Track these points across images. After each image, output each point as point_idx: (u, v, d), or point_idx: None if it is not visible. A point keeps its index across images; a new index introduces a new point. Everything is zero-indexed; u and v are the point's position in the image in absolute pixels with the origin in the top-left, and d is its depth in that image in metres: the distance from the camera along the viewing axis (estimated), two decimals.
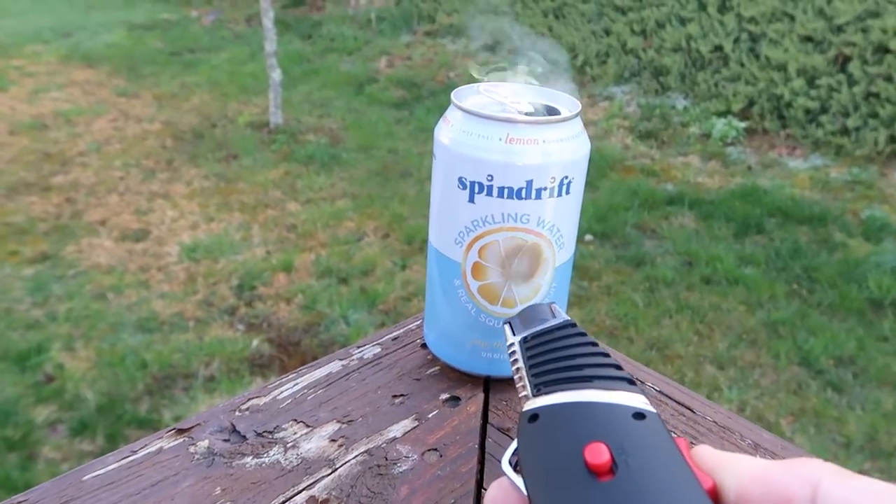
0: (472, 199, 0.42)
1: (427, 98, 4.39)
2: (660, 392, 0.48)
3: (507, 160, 0.40)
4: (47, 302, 2.31)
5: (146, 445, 0.41)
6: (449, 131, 0.43)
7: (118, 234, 2.78)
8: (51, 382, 1.92)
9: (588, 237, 2.83)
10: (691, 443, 0.34)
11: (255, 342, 2.16)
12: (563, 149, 0.41)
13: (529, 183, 0.41)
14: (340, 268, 2.58)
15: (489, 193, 0.41)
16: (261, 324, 2.26)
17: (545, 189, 0.41)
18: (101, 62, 5.18)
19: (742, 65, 3.89)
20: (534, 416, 0.26)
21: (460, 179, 0.42)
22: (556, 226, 0.43)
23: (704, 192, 3.24)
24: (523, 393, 0.28)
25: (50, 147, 3.64)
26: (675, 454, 0.23)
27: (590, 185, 3.28)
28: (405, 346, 0.52)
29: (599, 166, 3.44)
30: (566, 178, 0.42)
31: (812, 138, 3.60)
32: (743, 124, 3.75)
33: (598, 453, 0.22)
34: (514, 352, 0.30)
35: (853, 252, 2.74)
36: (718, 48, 4.01)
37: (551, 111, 0.45)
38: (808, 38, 3.68)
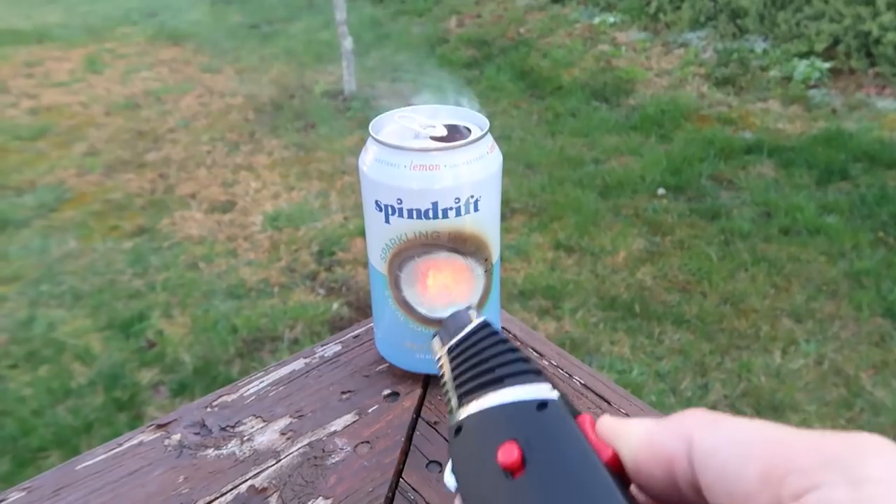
0: (387, 220, 0.46)
1: (497, 56, 4.37)
2: (584, 385, 0.51)
3: (413, 186, 0.45)
4: (146, 273, 2.50)
5: (130, 439, 0.48)
6: (366, 159, 0.48)
7: (207, 206, 2.95)
8: (152, 347, 2.10)
9: (661, 191, 2.79)
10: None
11: (335, 305, 2.28)
12: (466, 171, 0.45)
13: (435, 204, 0.45)
14: None
15: (401, 215, 0.46)
16: (340, 288, 2.38)
17: (451, 209, 0.45)
18: (185, 40, 5.39)
19: (826, 1, 3.68)
20: (458, 428, 0.27)
21: (376, 202, 0.46)
22: (467, 241, 0.47)
23: (785, 138, 3.12)
24: (450, 406, 0.29)
25: (142, 125, 3.86)
26: (575, 435, 0.24)
27: (663, 137, 3.23)
28: (363, 343, 0.57)
29: (673, 117, 3.36)
30: (472, 197, 0.45)
31: None
32: (827, 65, 3.56)
33: (508, 453, 0.24)
34: (441, 365, 0.31)
35: None
36: None
37: (464, 132, 0.48)
38: None
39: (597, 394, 0.50)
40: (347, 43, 3.80)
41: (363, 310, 2.26)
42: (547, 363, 0.54)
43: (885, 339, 2.01)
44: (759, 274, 2.30)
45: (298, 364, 0.55)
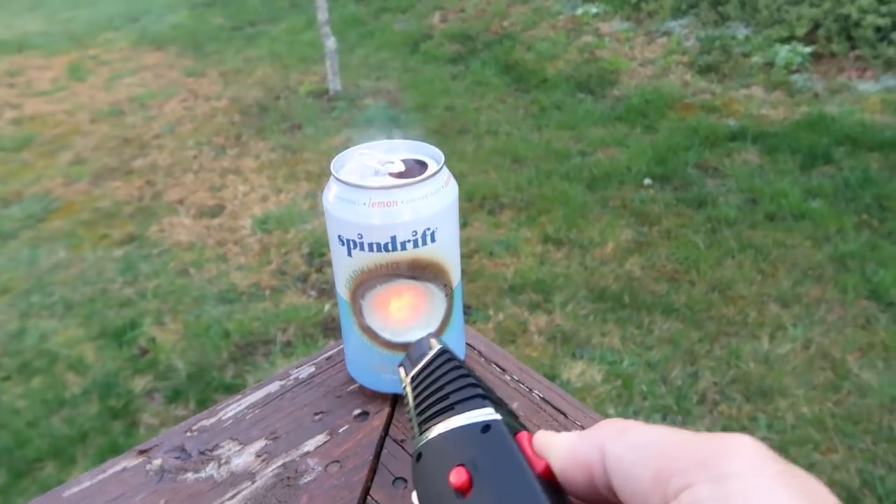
0: (349, 254, 0.49)
1: (482, 50, 4.38)
2: (543, 399, 0.52)
3: (371, 222, 0.47)
4: (137, 280, 2.50)
5: (114, 465, 0.49)
6: (329, 196, 0.49)
7: (195, 211, 2.95)
8: (145, 355, 2.10)
9: (647, 181, 2.81)
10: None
11: (326, 307, 2.29)
12: (423, 206, 0.48)
13: (394, 238, 0.47)
14: None
15: (362, 249, 0.48)
16: (331, 289, 2.38)
17: (409, 241, 0.48)
18: (168, 44, 5.38)
19: None
20: (419, 455, 0.30)
21: (339, 237, 0.49)
22: (426, 269, 0.49)
23: (768, 124, 3.15)
24: (413, 433, 0.31)
25: (128, 132, 3.85)
26: (513, 453, 0.27)
27: (648, 127, 3.24)
28: (335, 364, 0.58)
29: (658, 107, 3.38)
30: (428, 229, 0.48)
31: (884, 58, 3.41)
32: (808, 49, 3.58)
33: (458, 475, 0.27)
34: (406, 394, 0.33)
35: None
36: None
37: (421, 166, 0.51)
38: None
39: (555, 407, 0.52)
40: (331, 43, 3.80)
41: None
42: (509, 378, 0.55)
43: (870, 322, 2.03)
44: (745, 260, 2.32)
45: (274, 386, 0.56)
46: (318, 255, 2.57)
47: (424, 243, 0.48)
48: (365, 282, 0.49)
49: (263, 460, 0.49)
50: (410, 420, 0.32)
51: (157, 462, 0.49)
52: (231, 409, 0.54)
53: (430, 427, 0.30)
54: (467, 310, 2.19)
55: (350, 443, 0.50)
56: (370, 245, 0.48)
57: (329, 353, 0.59)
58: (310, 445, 0.50)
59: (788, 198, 2.58)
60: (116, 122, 4.01)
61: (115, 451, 1.73)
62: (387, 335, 0.51)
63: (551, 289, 2.26)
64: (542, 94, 3.75)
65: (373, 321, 0.51)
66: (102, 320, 2.28)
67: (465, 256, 2.47)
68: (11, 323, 2.30)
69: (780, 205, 2.56)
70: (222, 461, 0.49)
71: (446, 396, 0.30)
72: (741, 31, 3.91)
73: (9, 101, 4.52)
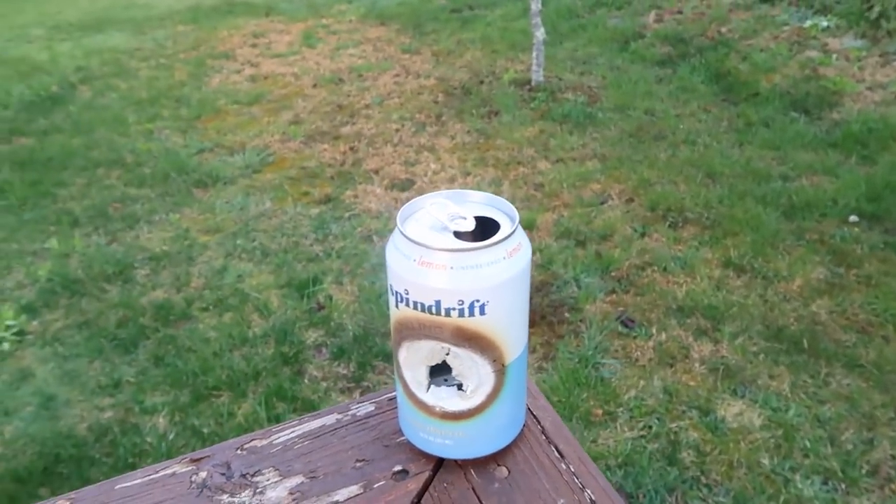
0: (397, 305, 0.46)
1: (693, 55, 4.19)
2: (592, 502, 0.48)
3: (417, 280, 0.44)
4: (326, 239, 2.72)
5: (166, 468, 0.51)
6: (390, 242, 0.47)
7: (388, 182, 3.14)
8: (321, 310, 2.30)
9: (853, 218, 2.58)
10: None
11: None
12: (472, 277, 0.43)
13: (438, 302, 0.44)
14: (580, 230, 2.66)
15: (407, 304, 0.45)
16: None
17: (454, 309, 0.44)
18: (392, 20, 5.68)
19: None
20: None
21: (390, 286, 0.47)
22: (472, 340, 0.45)
23: None
24: None
25: (342, 100, 4.15)
26: None
27: (866, 158, 2.97)
28: (395, 408, 0.55)
29: (881, 137, 3.07)
30: (477, 301, 0.44)
31: None
32: None
33: None
34: None
35: None
36: None
37: (492, 229, 0.47)
38: None
39: None
40: (539, 33, 3.83)
41: None
42: (564, 467, 0.50)
43: None
44: None
45: (331, 419, 0.56)
46: None
47: (472, 314, 0.44)
48: (407, 335, 0.47)
49: (295, 499, 0.48)
50: None
51: (203, 475, 0.50)
52: (284, 433, 0.54)
53: None
54: (629, 324, 2.16)
55: (380, 503, 0.48)
56: (415, 303, 0.45)
57: (393, 394, 0.56)
58: (342, 495, 0.49)
59: None
60: (334, 89, 4.33)
61: (280, 394, 1.92)
62: (421, 395, 0.48)
63: (723, 317, 2.17)
64: (751, 109, 3.54)
65: (409, 377, 0.48)
66: (290, 271, 2.51)
67: (639, 268, 2.42)
68: (217, 260, 2.61)
69: None
70: (258, 490, 0.49)
71: None
72: None
73: (250, 59, 5.03)
